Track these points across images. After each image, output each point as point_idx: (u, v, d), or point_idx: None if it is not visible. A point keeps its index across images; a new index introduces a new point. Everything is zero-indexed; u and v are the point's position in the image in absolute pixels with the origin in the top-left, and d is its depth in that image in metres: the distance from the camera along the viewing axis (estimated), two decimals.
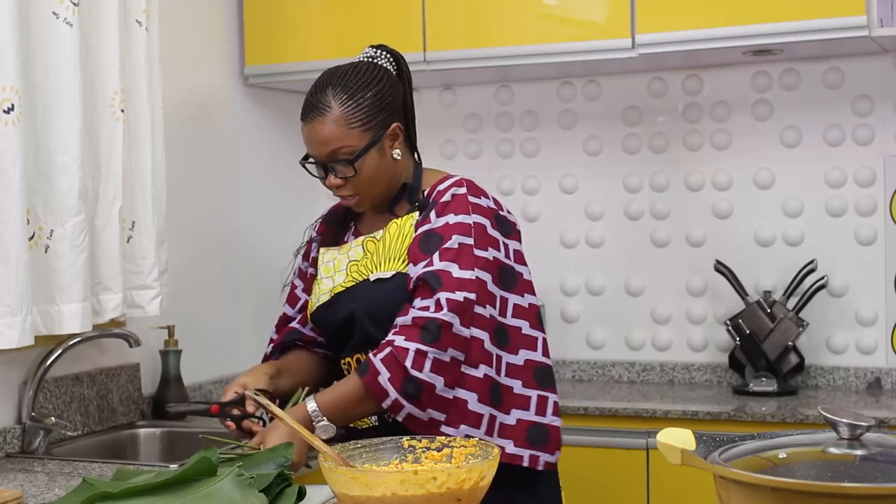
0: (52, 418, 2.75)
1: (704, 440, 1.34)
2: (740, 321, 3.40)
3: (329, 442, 1.83)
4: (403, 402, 2.05)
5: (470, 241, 2.12)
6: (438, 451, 1.55)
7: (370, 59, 2.27)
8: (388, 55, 2.29)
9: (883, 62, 3.40)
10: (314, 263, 2.39)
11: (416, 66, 3.45)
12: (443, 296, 2.07)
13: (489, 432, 2.10)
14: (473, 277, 2.09)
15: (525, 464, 2.14)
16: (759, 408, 3.14)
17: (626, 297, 3.70)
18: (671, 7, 3.20)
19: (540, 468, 2.16)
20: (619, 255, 3.71)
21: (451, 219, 2.15)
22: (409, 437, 1.59)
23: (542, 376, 2.19)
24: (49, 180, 2.67)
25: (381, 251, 2.23)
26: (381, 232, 2.26)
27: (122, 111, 2.84)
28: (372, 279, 2.21)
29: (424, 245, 2.14)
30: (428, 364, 2.04)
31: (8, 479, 2.46)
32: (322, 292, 2.30)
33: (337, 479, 1.43)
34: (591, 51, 3.32)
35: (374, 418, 2.20)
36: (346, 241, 2.34)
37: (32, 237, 2.63)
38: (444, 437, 1.58)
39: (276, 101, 3.87)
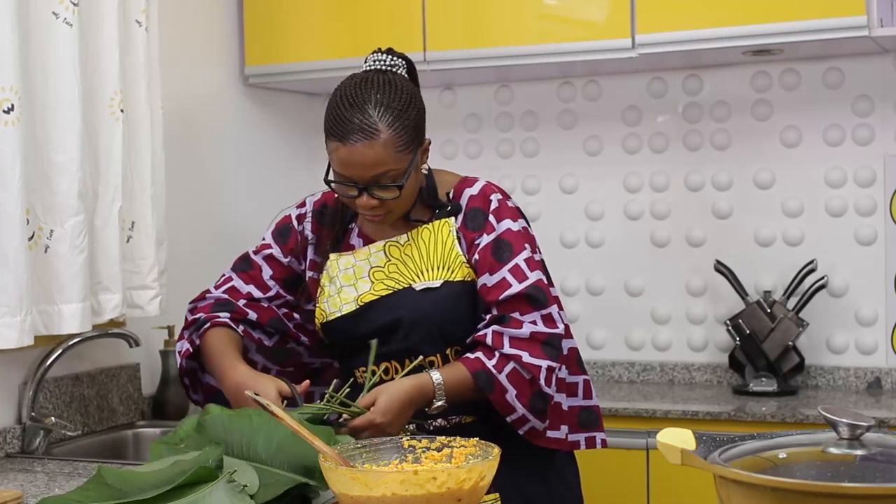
0: (52, 418, 2.75)
1: (704, 440, 1.34)
2: (740, 321, 3.40)
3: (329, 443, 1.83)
4: (530, 416, 2.09)
5: (529, 247, 2.17)
6: (438, 451, 1.55)
7: (389, 68, 2.19)
8: (403, 62, 2.23)
9: (883, 62, 3.40)
10: (314, 267, 2.30)
11: (416, 66, 3.47)
12: (554, 310, 2.12)
13: (572, 428, 2.21)
14: (549, 284, 2.18)
15: (583, 447, 2.23)
16: (759, 408, 3.13)
17: (626, 297, 3.70)
18: (671, 7, 3.20)
19: (598, 447, 2.25)
20: (619, 255, 3.71)
21: (511, 224, 2.16)
22: (409, 437, 1.59)
23: (579, 360, 2.28)
24: (48, 180, 2.67)
25: (417, 258, 2.18)
26: (404, 236, 2.20)
27: (122, 111, 2.84)
28: (418, 288, 2.15)
29: (497, 253, 2.14)
30: (554, 379, 2.10)
31: (8, 479, 2.46)
32: (345, 301, 2.21)
33: (337, 479, 1.43)
34: (591, 51, 3.32)
35: (411, 426, 2.15)
36: (356, 246, 2.26)
37: (32, 237, 2.63)
38: (444, 438, 1.58)
39: (276, 101, 3.87)
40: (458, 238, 2.18)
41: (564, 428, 2.18)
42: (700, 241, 3.61)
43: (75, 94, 2.67)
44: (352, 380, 2.33)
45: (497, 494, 2.11)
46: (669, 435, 1.34)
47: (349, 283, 2.22)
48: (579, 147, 3.76)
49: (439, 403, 2.05)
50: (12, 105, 2.52)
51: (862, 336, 3.43)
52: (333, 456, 1.50)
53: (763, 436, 1.35)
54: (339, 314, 2.22)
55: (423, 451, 1.56)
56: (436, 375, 2.05)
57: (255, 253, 2.36)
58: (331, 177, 2.14)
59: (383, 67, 2.19)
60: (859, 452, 1.25)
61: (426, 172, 2.23)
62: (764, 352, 3.35)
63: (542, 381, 2.07)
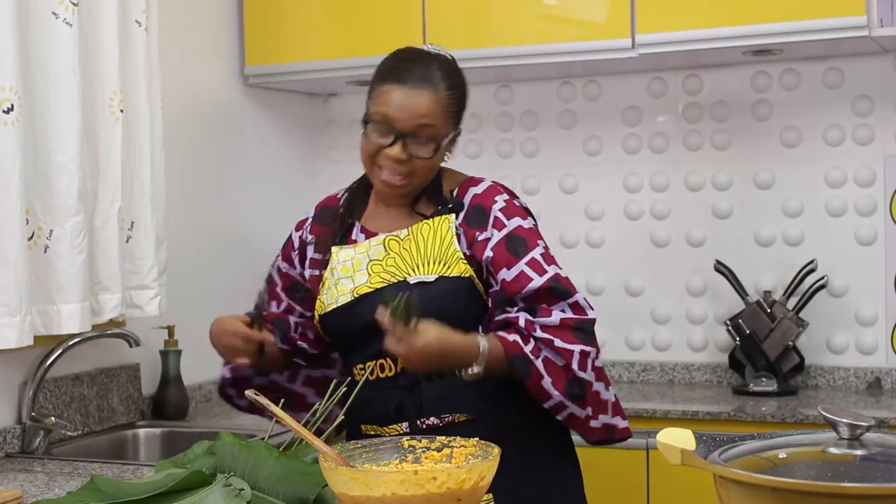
0: (52, 418, 2.75)
1: (704, 440, 1.34)
2: (740, 321, 3.40)
3: (329, 442, 1.83)
4: (567, 402, 2.10)
5: (542, 244, 2.19)
6: (438, 451, 1.55)
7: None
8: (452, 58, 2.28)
9: (883, 62, 3.40)
10: (316, 265, 2.31)
11: None
12: (579, 298, 2.14)
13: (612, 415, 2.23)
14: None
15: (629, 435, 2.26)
16: (759, 408, 3.13)
17: (626, 297, 3.70)
18: (671, 7, 3.20)
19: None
20: (619, 255, 3.71)
21: (521, 222, 2.18)
22: (408, 437, 1.59)
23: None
24: (48, 180, 2.67)
25: (415, 252, 2.18)
26: (404, 231, 2.21)
27: (122, 111, 2.84)
28: (412, 281, 2.15)
29: (512, 248, 2.15)
30: (589, 364, 2.11)
31: (8, 479, 2.46)
32: (341, 293, 2.22)
33: (337, 479, 1.43)
34: (591, 51, 3.32)
35: (404, 425, 2.16)
36: (357, 240, 2.27)
37: (31, 237, 2.63)
38: (444, 438, 1.58)
39: (276, 101, 3.87)
40: (458, 234, 2.18)
41: (604, 417, 2.18)
42: (700, 241, 3.60)
43: (75, 94, 2.67)
44: (349, 378, 2.33)
45: (490, 495, 2.11)
46: (669, 435, 1.34)
47: (347, 274, 2.22)
48: (579, 147, 3.76)
49: (477, 370, 2.06)
50: (12, 105, 2.52)
51: (862, 336, 3.43)
52: (333, 456, 1.50)
53: (763, 436, 1.35)
54: (335, 305, 2.22)
55: (423, 451, 1.56)
56: (483, 343, 2.07)
57: (272, 267, 2.42)
58: (370, 125, 2.16)
59: (444, 53, 2.25)
60: (859, 452, 1.25)
61: (445, 161, 2.24)
62: (764, 352, 3.35)
63: (575, 366, 2.08)
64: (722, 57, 3.41)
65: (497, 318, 2.15)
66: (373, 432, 2.20)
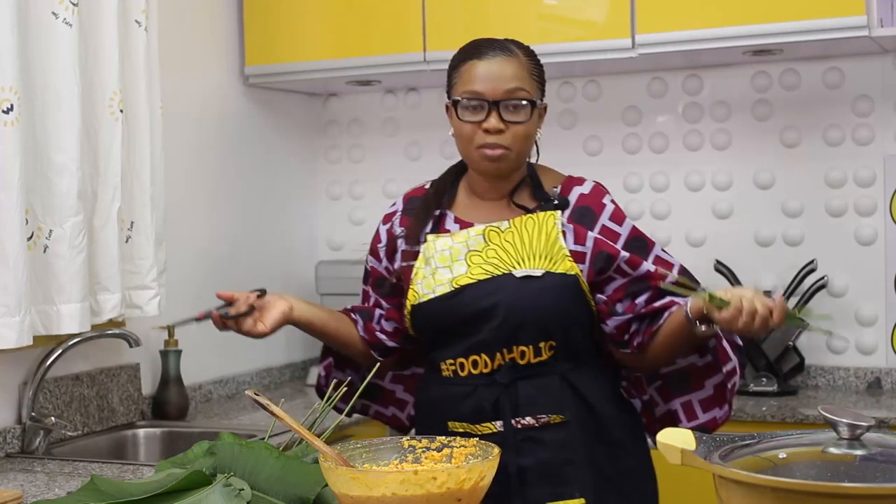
0: (52, 418, 2.75)
1: (704, 440, 1.34)
2: None
3: (329, 442, 1.83)
4: (738, 369, 2.20)
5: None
6: (438, 451, 1.55)
7: None
8: None
9: (883, 62, 3.40)
10: (408, 256, 2.25)
11: (416, 66, 3.47)
12: None
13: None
14: None
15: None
16: (759, 408, 3.13)
17: None
18: (671, 7, 3.20)
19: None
20: None
21: (631, 223, 2.24)
22: (409, 437, 1.59)
23: None
24: (48, 180, 2.67)
25: (519, 245, 2.16)
26: (505, 223, 2.19)
27: (121, 111, 2.84)
28: (518, 275, 2.14)
29: (641, 250, 2.20)
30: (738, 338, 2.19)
31: (8, 479, 2.46)
32: (439, 283, 2.18)
33: (337, 479, 1.43)
34: (591, 51, 3.32)
35: (499, 424, 2.14)
36: (451, 230, 2.23)
37: (31, 237, 2.63)
38: (444, 438, 1.58)
39: (276, 101, 3.87)
40: (564, 232, 2.17)
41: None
42: (700, 241, 3.60)
43: (75, 94, 2.67)
44: (349, 378, 2.32)
45: (583, 500, 2.10)
46: (669, 435, 1.34)
47: (445, 264, 2.19)
48: (579, 147, 3.76)
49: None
50: (12, 105, 2.52)
51: (862, 336, 3.43)
52: (333, 456, 1.50)
53: (763, 436, 1.35)
54: (432, 295, 2.19)
55: (423, 451, 1.56)
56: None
57: (365, 262, 2.40)
58: (461, 105, 2.16)
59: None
60: (859, 452, 1.25)
61: (537, 140, 2.24)
62: (764, 352, 3.34)
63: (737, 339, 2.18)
64: (722, 57, 3.41)
65: (656, 304, 2.16)
66: (461, 430, 2.16)
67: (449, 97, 2.20)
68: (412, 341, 2.32)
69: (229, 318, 2.21)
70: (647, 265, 2.17)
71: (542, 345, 2.15)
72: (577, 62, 3.40)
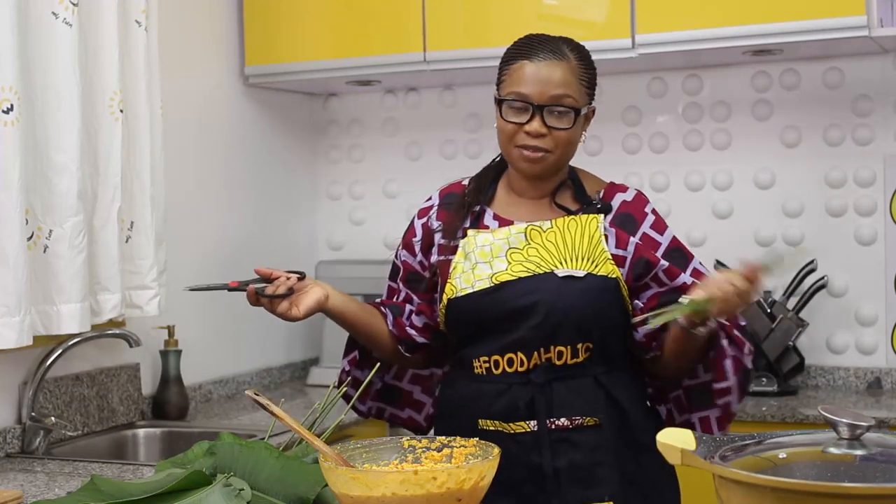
0: (52, 418, 2.75)
1: (704, 440, 1.34)
2: None
3: (329, 442, 1.83)
4: (735, 390, 2.15)
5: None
6: (438, 451, 1.55)
7: None
8: None
9: (883, 62, 3.40)
10: (444, 251, 2.23)
11: (416, 66, 3.47)
12: None
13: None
14: None
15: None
16: (759, 408, 3.13)
17: None
18: (671, 7, 3.20)
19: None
20: None
21: (672, 233, 2.24)
22: (409, 437, 1.59)
23: None
24: (48, 180, 2.67)
25: (562, 245, 2.16)
26: (547, 223, 2.18)
27: (121, 111, 2.84)
28: (560, 274, 2.13)
29: (680, 261, 2.20)
30: (750, 361, 2.17)
31: (8, 479, 2.46)
32: (478, 278, 2.16)
33: (337, 479, 1.43)
34: (591, 51, 3.30)
35: (533, 423, 2.12)
36: (490, 227, 2.22)
37: (31, 237, 2.63)
38: (443, 438, 1.58)
39: (276, 101, 3.87)
40: (606, 236, 2.17)
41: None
42: (700, 241, 3.60)
43: (75, 94, 2.67)
44: (350, 378, 2.31)
45: (612, 503, 2.10)
46: (669, 435, 1.34)
47: (485, 260, 2.18)
48: (580, 147, 3.74)
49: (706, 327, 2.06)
50: (12, 105, 2.52)
51: (862, 336, 3.43)
52: (333, 456, 1.50)
53: (763, 436, 1.35)
54: (471, 290, 2.17)
55: (423, 451, 1.56)
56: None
57: (395, 256, 2.37)
58: (507, 104, 2.16)
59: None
60: (859, 452, 1.25)
61: (582, 142, 2.24)
62: (764, 352, 3.34)
63: (745, 353, 2.14)
64: (722, 57, 3.41)
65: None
66: (492, 428, 2.15)
67: (497, 91, 2.21)
68: (441, 338, 2.30)
69: (265, 297, 2.17)
70: (685, 277, 2.17)
71: (579, 346, 2.14)
72: None
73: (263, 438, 1.74)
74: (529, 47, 2.16)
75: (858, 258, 3.43)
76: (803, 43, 3.15)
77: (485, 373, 2.17)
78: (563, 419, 2.12)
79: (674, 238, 2.22)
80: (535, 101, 2.13)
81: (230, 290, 2.18)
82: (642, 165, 3.67)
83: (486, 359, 2.16)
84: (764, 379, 3.33)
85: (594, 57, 3.41)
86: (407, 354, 2.32)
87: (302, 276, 2.21)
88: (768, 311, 3.36)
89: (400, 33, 3.46)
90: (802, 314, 3.37)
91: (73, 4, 2.67)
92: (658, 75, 3.64)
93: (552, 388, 2.13)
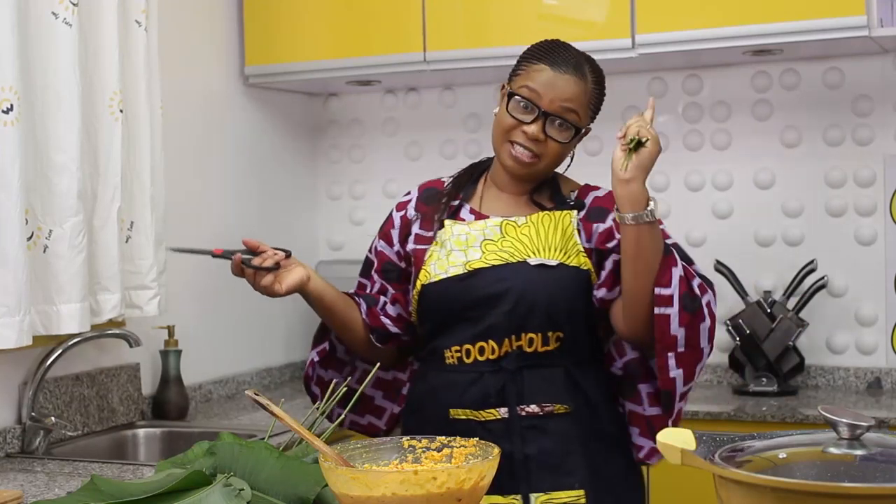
0: (52, 418, 2.75)
1: (704, 440, 1.34)
2: (740, 321, 3.39)
3: (329, 442, 1.83)
4: (678, 304, 2.08)
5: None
6: (438, 451, 1.55)
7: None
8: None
9: (883, 62, 3.40)
10: (422, 240, 2.27)
11: (416, 66, 3.47)
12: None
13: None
14: None
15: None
16: (759, 408, 3.13)
17: None
18: (671, 7, 3.20)
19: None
20: None
21: None
22: (409, 438, 1.59)
23: None
24: (48, 180, 2.67)
25: (535, 237, 2.19)
26: (522, 218, 2.22)
27: (121, 111, 2.84)
28: (533, 262, 2.17)
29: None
30: (711, 304, 2.14)
31: (8, 479, 2.46)
32: (452, 264, 2.20)
33: (337, 479, 1.43)
34: (591, 51, 3.28)
35: (503, 411, 2.15)
36: (465, 219, 2.26)
37: (31, 237, 2.63)
38: (443, 437, 1.58)
39: (276, 101, 3.87)
40: (578, 230, 2.21)
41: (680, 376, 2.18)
42: (700, 241, 3.60)
43: (75, 94, 2.67)
44: (349, 378, 2.32)
45: (583, 491, 2.12)
46: (669, 435, 1.34)
47: (460, 248, 2.22)
48: (579, 147, 3.74)
49: (648, 211, 2.09)
50: (12, 105, 2.52)
51: (862, 336, 3.43)
52: (333, 456, 1.50)
53: (763, 436, 1.35)
54: (444, 276, 2.20)
55: (423, 451, 1.56)
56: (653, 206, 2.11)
57: (369, 249, 2.39)
58: (515, 100, 2.18)
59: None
60: (859, 452, 1.25)
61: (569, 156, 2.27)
62: (764, 352, 3.34)
63: (695, 283, 2.12)
64: (722, 57, 3.41)
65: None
66: (463, 416, 2.18)
67: (509, 83, 2.23)
68: (411, 332, 2.33)
69: (250, 268, 2.18)
70: None
71: (550, 334, 2.16)
72: None
73: (263, 438, 1.74)
74: (555, 55, 2.20)
75: (858, 258, 3.43)
76: (803, 43, 3.15)
77: (456, 363, 2.20)
78: (533, 406, 2.16)
79: None
80: (544, 107, 2.16)
81: (214, 256, 2.20)
82: None
83: (458, 348, 2.19)
84: (764, 379, 3.33)
85: (594, 57, 3.43)
86: (378, 345, 2.33)
87: (288, 255, 2.24)
88: (768, 311, 3.37)
89: (400, 33, 3.46)
90: (802, 314, 3.37)
91: (73, 4, 2.67)
92: (658, 75, 3.64)
93: (523, 375, 2.16)
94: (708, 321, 2.13)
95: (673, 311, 2.08)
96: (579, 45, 3.30)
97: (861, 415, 1.27)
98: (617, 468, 2.24)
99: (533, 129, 2.16)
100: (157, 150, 3.02)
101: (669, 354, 2.10)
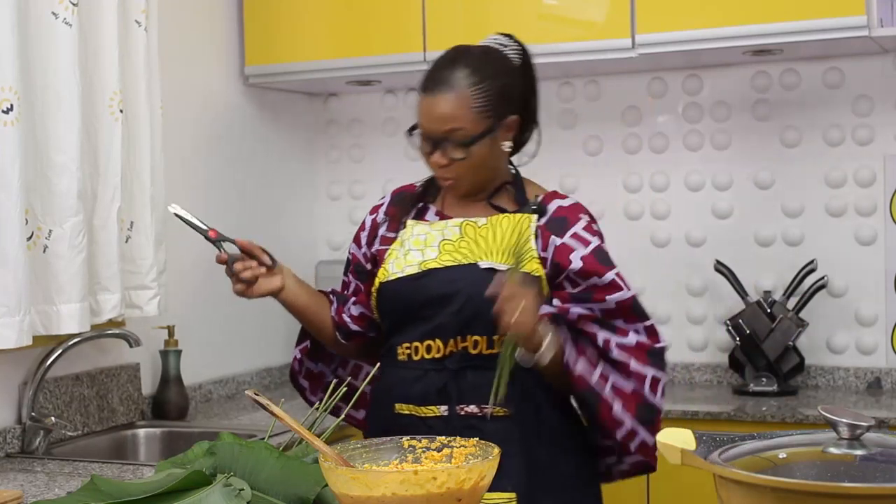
0: (52, 418, 2.75)
1: (704, 440, 1.34)
2: (740, 321, 3.39)
3: (329, 442, 1.83)
4: (639, 428, 2.13)
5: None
6: (438, 451, 1.55)
7: (498, 46, 2.26)
8: (517, 46, 2.27)
9: (883, 62, 3.40)
10: (388, 242, 2.31)
11: (415, 67, 3.47)
12: (655, 324, 2.19)
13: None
14: None
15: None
16: (759, 408, 3.13)
17: None
18: (671, 7, 3.20)
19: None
20: (619, 254, 3.68)
21: (602, 245, 2.23)
22: (409, 437, 1.59)
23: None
24: (48, 180, 2.67)
25: (491, 240, 2.20)
26: (483, 220, 2.23)
27: (121, 111, 2.84)
28: (483, 266, 2.17)
29: (603, 261, 2.19)
30: (660, 390, 2.15)
31: (8, 479, 2.46)
32: (409, 263, 2.23)
33: (337, 479, 1.43)
34: (591, 51, 3.32)
35: (443, 409, 2.18)
36: (430, 220, 2.29)
37: (31, 237, 2.63)
38: (444, 438, 1.58)
39: (276, 101, 3.87)
40: (536, 235, 2.20)
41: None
42: (700, 241, 3.60)
43: (75, 94, 2.67)
44: (349, 379, 2.34)
45: (514, 494, 2.11)
46: (669, 435, 1.34)
47: (417, 247, 2.24)
48: (579, 147, 3.76)
49: (541, 354, 2.06)
50: (11, 105, 2.52)
51: (862, 336, 3.43)
52: (333, 456, 1.50)
53: (763, 436, 1.35)
54: (400, 275, 2.23)
55: (423, 451, 1.56)
56: (550, 340, 2.07)
57: (348, 252, 2.45)
58: (413, 135, 2.21)
59: (492, 44, 2.27)
60: (859, 452, 1.25)
61: (507, 151, 2.25)
62: (764, 352, 3.34)
63: (646, 391, 2.13)
64: (722, 57, 3.41)
65: (573, 313, 2.16)
66: (407, 411, 2.21)
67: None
68: (376, 329, 2.37)
69: (229, 272, 2.30)
70: (597, 279, 2.18)
71: (495, 338, 2.17)
72: (576, 62, 3.40)
73: (263, 438, 1.74)
74: (427, 77, 2.21)
75: (858, 258, 3.43)
76: (803, 43, 3.15)
77: (406, 359, 2.23)
78: (472, 406, 2.17)
79: (599, 246, 2.22)
80: (431, 136, 2.18)
81: (207, 238, 2.33)
82: (642, 165, 3.67)
83: (409, 345, 2.23)
84: (764, 379, 3.33)
85: (594, 57, 3.42)
86: (343, 341, 2.39)
87: (271, 266, 2.32)
88: (768, 311, 3.37)
89: (400, 33, 3.46)
90: (802, 314, 3.37)
91: (73, 4, 2.67)
92: (658, 75, 3.65)
93: (466, 375, 2.18)
94: (660, 395, 2.17)
95: (639, 438, 2.16)
96: (579, 45, 3.35)
97: (861, 415, 1.27)
98: (566, 468, 2.23)
99: (435, 157, 2.19)
100: (157, 150, 3.02)
101: (617, 432, 2.16)
